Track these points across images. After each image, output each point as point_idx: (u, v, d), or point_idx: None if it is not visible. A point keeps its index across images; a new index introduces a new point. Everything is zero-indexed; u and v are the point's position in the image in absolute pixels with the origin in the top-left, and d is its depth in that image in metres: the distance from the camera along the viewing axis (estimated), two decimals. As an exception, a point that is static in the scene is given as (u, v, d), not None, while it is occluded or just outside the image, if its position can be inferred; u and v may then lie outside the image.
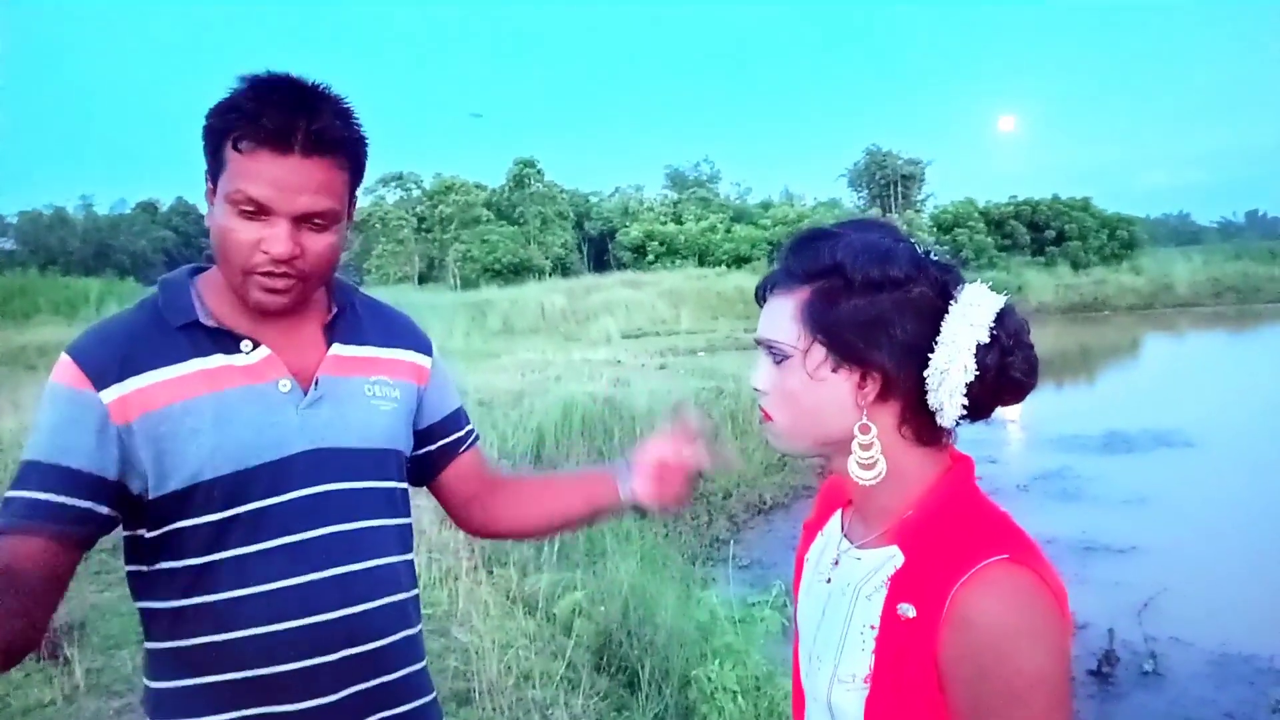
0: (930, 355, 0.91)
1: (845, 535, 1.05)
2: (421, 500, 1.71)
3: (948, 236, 39.63)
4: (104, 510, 1.19)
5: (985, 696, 0.85)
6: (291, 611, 1.21)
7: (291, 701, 1.22)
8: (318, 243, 1.23)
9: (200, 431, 1.19)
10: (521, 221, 45.34)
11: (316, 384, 1.28)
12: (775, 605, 5.34)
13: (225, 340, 1.24)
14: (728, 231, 41.83)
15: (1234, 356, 19.78)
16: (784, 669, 4.01)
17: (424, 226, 46.41)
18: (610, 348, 18.75)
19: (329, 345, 1.32)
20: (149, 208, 65.52)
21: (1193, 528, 7.35)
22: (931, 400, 0.92)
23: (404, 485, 1.40)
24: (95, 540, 1.21)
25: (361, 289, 1.48)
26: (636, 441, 1.53)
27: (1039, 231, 41.95)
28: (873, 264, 0.92)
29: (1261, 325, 25.43)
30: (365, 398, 1.33)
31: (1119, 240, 41.49)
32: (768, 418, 1.00)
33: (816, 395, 0.95)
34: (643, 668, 3.91)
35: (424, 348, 1.46)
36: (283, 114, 1.17)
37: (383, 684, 1.30)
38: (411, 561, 1.40)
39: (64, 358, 1.21)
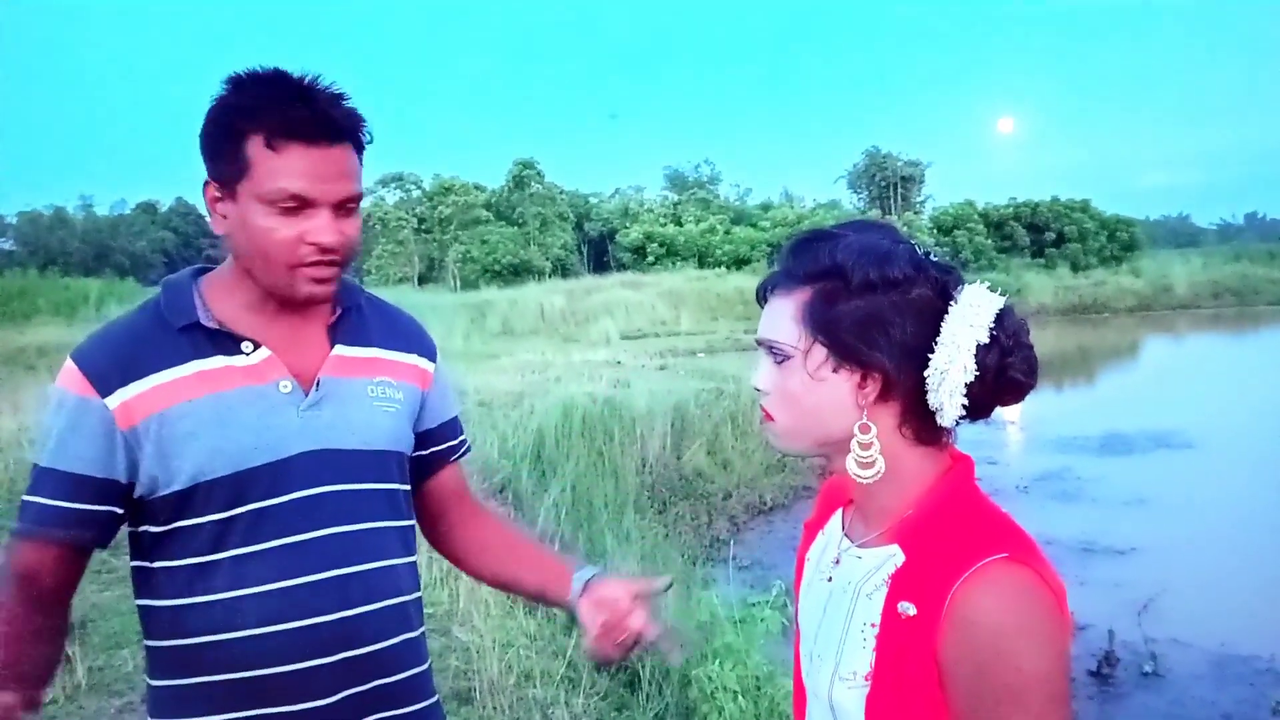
0: (930, 355, 0.92)
1: (846, 534, 1.06)
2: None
3: (947, 238, 39.66)
4: (117, 511, 1.23)
5: (985, 694, 0.86)
6: (289, 613, 1.22)
7: (289, 703, 1.22)
8: (351, 227, 1.25)
9: (199, 433, 1.20)
10: (521, 222, 45.34)
11: (318, 385, 1.28)
12: (775, 605, 5.34)
13: (226, 341, 1.25)
14: (727, 233, 41.84)
15: (1233, 358, 19.80)
16: (784, 669, 4.01)
17: (424, 227, 46.40)
18: (610, 349, 18.74)
19: (332, 346, 1.32)
20: (149, 208, 65.54)
21: (1192, 529, 7.35)
22: (931, 400, 0.93)
23: (406, 487, 1.40)
24: (108, 541, 1.25)
25: (364, 289, 1.48)
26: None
27: (1038, 233, 41.98)
28: (873, 265, 0.92)
29: (1260, 327, 25.45)
30: (368, 399, 1.33)
31: (1118, 242, 41.54)
32: (769, 418, 1.01)
33: (817, 395, 0.96)
34: (643, 667, 3.92)
35: (429, 352, 1.46)
36: (306, 106, 1.18)
37: (381, 686, 1.29)
38: (414, 564, 1.39)
39: (69, 363, 1.22)
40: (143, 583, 1.26)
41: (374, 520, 1.31)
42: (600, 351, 17.40)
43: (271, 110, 1.17)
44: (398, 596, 1.32)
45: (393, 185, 49.07)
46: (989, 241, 40.63)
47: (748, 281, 30.72)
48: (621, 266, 41.42)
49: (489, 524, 1.54)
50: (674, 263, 39.66)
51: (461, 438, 1.53)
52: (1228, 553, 6.75)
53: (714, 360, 16.40)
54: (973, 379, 0.91)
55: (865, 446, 0.95)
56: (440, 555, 1.59)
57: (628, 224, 44.48)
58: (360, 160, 1.26)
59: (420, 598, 1.40)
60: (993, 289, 0.95)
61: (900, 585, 0.92)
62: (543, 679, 3.66)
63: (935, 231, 40.72)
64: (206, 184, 1.24)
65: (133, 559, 1.28)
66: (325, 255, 1.22)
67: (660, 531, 7.00)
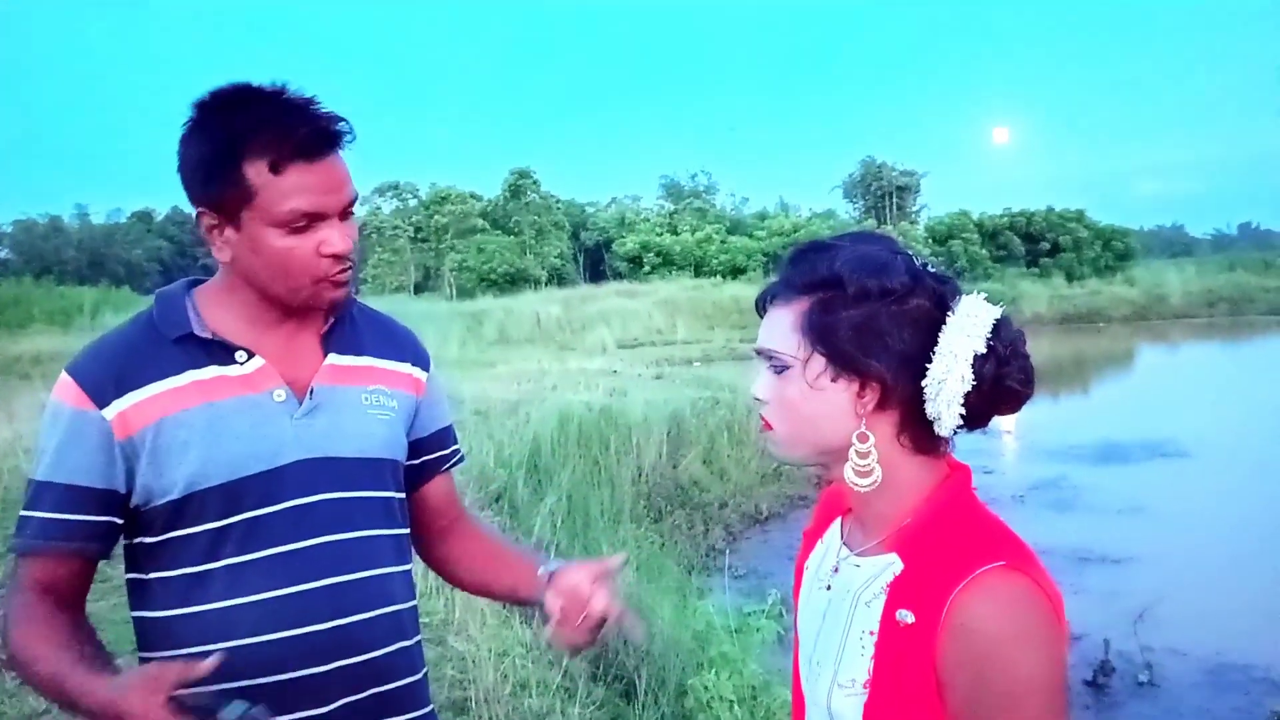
0: (928, 365, 0.93)
1: (845, 543, 1.06)
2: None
3: (942, 248, 39.76)
4: (117, 522, 1.23)
5: (982, 701, 0.86)
6: (283, 622, 1.21)
7: (285, 711, 1.21)
8: (352, 229, 1.27)
9: (194, 442, 1.20)
10: (517, 231, 45.39)
11: (312, 393, 1.28)
12: (771, 615, 5.35)
13: (219, 351, 1.25)
14: (723, 242, 41.93)
15: (1227, 367, 19.87)
16: (780, 678, 4.01)
17: (420, 236, 46.47)
18: (606, 357, 18.75)
19: (326, 355, 1.32)
20: (144, 217, 65.49)
21: (1188, 537, 7.37)
22: (929, 410, 0.94)
23: (401, 495, 1.39)
24: (109, 552, 1.25)
25: (357, 298, 1.48)
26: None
27: (1033, 243, 42.15)
28: (871, 275, 0.93)
29: (1255, 336, 25.56)
30: (362, 407, 1.33)
31: (1113, 251, 41.72)
32: (768, 427, 1.01)
33: (816, 404, 0.96)
34: (639, 677, 3.92)
35: (422, 361, 1.46)
36: (299, 124, 1.19)
37: (376, 695, 1.29)
38: (409, 572, 1.39)
39: (64, 377, 1.22)
40: (137, 595, 1.26)
41: (369, 528, 1.31)
42: (596, 360, 17.41)
43: (267, 134, 1.17)
44: (393, 605, 1.32)
45: (389, 194, 49.16)
46: (984, 251, 40.78)
47: (743, 291, 30.80)
48: (618, 275, 41.51)
49: (470, 533, 1.54)
50: (670, 272, 39.74)
51: (454, 447, 1.53)
52: (1223, 561, 6.77)
53: (710, 369, 16.43)
54: (970, 389, 0.92)
55: (863, 455, 0.96)
56: (426, 566, 1.58)
57: (624, 233, 44.57)
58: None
59: (415, 606, 1.40)
60: (989, 299, 0.95)
61: (898, 593, 0.93)
62: (539, 688, 3.65)
63: (930, 241, 40.83)
64: (200, 213, 1.22)
65: (127, 571, 1.28)
66: (342, 262, 1.24)
67: (656, 541, 7.00)
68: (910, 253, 0.99)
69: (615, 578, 1.35)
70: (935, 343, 0.93)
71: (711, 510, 8.37)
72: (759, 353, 1.01)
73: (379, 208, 48.01)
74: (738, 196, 60.62)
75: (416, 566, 1.45)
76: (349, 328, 1.37)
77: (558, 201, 49.53)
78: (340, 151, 1.25)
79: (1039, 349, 0.97)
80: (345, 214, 1.25)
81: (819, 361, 0.95)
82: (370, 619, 1.28)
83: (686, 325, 27.21)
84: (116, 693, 1.07)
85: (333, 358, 1.32)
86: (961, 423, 0.94)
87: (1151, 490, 8.84)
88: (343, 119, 1.24)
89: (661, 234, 43.12)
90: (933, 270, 0.98)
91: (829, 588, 1.04)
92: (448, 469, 1.51)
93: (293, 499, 1.24)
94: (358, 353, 1.36)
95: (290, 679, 1.22)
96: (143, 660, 1.26)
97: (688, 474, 8.81)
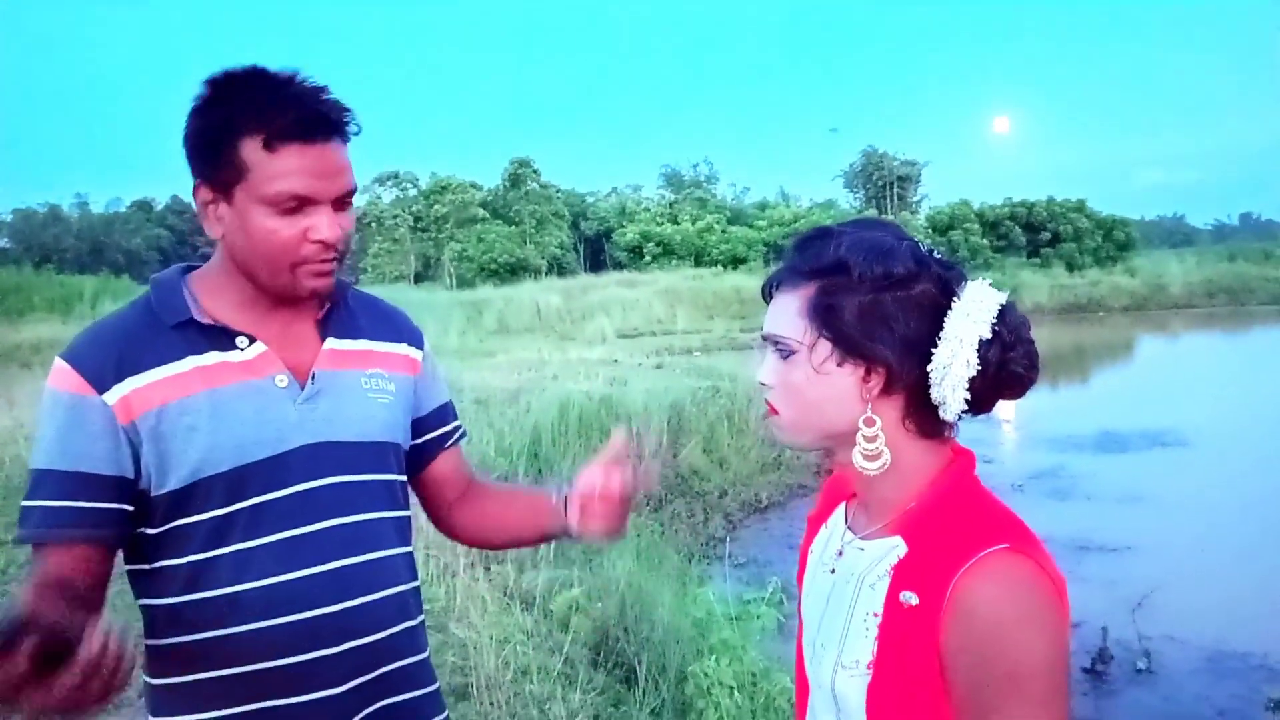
0: (933, 350, 0.93)
1: (849, 527, 1.07)
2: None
3: (943, 238, 39.72)
4: (128, 509, 1.21)
5: (986, 683, 0.87)
6: (291, 606, 1.22)
7: (294, 694, 1.22)
8: (348, 220, 1.26)
9: (198, 429, 1.19)
10: (517, 221, 45.35)
11: (313, 378, 1.28)
12: (771, 602, 5.36)
13: (220, 337, 1.24)
14: (724, 232, 41.88)
15: (1227, 357, 19.87)
16: (780, 665, 4.03)
17: (420, 225, 46.41)
18: (606, 347, 18.73)
19: (324, 339, 1.33)
20: (144, 206, 65.47)
21: (1186, 526, 7.39)
22: (934, 394, 0.94)
23: (403, 478, 1.40)
24: (123, 541, 1.23)
25: (349, 283, 1.48)
26: (632, 441, 1.52)
27: (1034, 233, 42.09)
28: (876, 261, 0.94)
29: (1254, 326, 25.54)
30: (362, 391, 1.33)
31: (1114, 242, 41.67)
32: (774, 411, 1.02)
33: (822, 389, 0.97)
34: (640, 663, 3.93)
35: (416, 340, 1.46)
36: (299, 105, 1.18)
37: (384, 674, 1.30)
38: (411, 554, 1.40)
39: (60, 364, 1.20)
40: (142, 584, 1.25)
41: (372, 511, 1.31)
42: (596, 350, 17.40)
43: (266, 112, 1.17)
44: (397, 586, 1.33)
45: (389, 184, 49.08)
46: (985, 241, 40.73)
47: (744, 280, 30.78)
48: (618, 265, 41.46)
49: (484, 494, 1.55)
50: (670, 262, 39.70)
51: (456, 423, 1.53)
52: (1222, 550, 6.79)
53: (710, 359, 16.41)
54: (975, 373, 0.92)
55: (870, 439, 0.96)
56: (451, 539, 1.59)
57: (624, 223, 44.50)
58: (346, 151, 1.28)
59: (418, 587, 1.41)
60: (994, 285, 0.96)
61: (902, 576, 0.93)
62: (540, 675, 3.66)
63: (931, 231, 40.78)
64: (197, 187, 1.22)
65: (129, 562, 1.26)
66: (327, 251, 1.23)
67: (656, 529, 7.01)
68: (915, 239, 0.99)
69: (624, 455, 1.43)
70: (940, 328, 0.93)
71: (711, 499, 8.38)
72: (765, 338, 1.02)
73: (379, 197, 47.95)
74: (738, 186, 60.71)
75: (418, 553, 1.45)
76: (344, 312, 1.37)
77: (558, 191, 49.48)
78: (342, 142, 1.24)
79: (1039, 338, 0.98)
80: (340, 204, 1.24)
81: (825, 346, 0.96)
82: (377, 600, 1.29)
83: (687, 315, 27.18)
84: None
85: (331, 342, 1.33)
86: (966, 407, 0.94)
87: (1151, 479, 8.85)
88: (347, 109, 1.23)
89: (662, 224, 43.08)
90: (938, 256, 0.98)
91: (833, 571, 1.05)
92: (451, 445, 1.51)
93: (298, 484, 1.24)
94: (355, 336, 1.36)
95: (298, 662, 1.22)
96: (149, 646, 1.26)
97: (688, 463, 8.82)
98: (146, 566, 1.24)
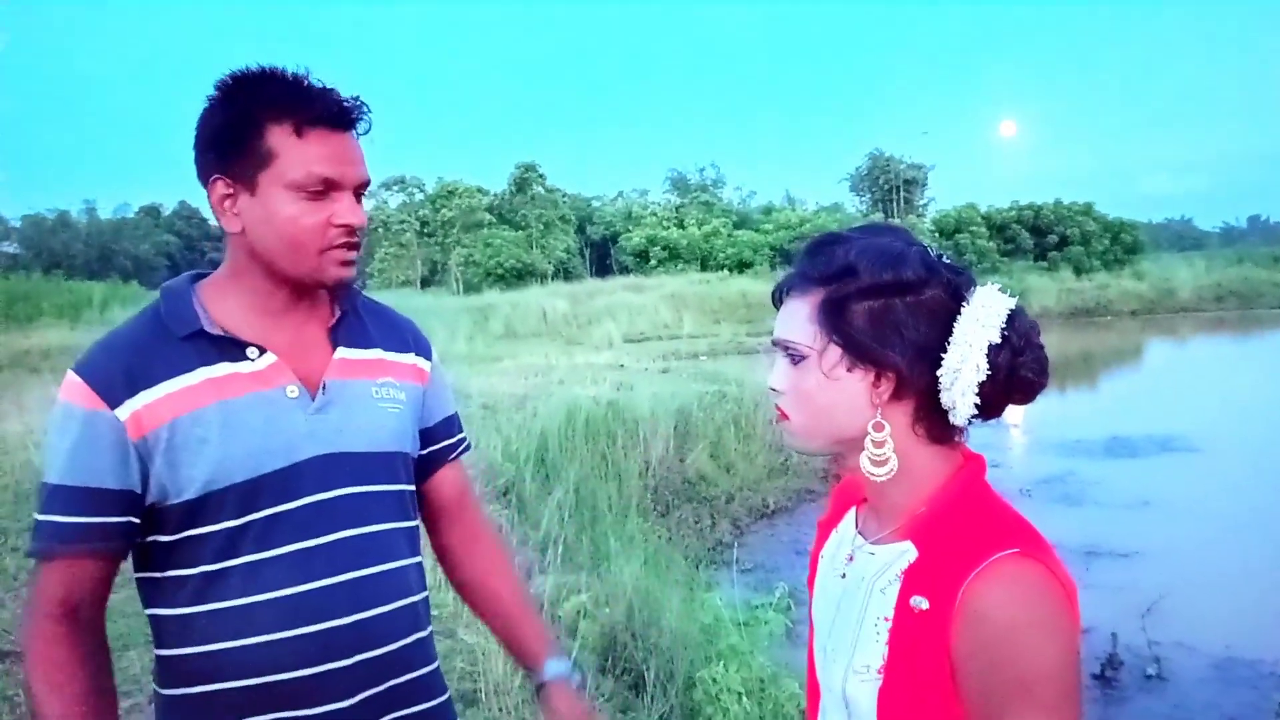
0: (943, 355, 0.93)
1: (859, 532, 1.07)
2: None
3: (950, 241, 39.64)
4: (135, 521, 1.22)
5: (996, 687, 0.87)
6: (304, 617, 1.22)
7: (305, 707, 1.22)
8: (363, 211, 1.28)
9: (209, 440, 1.20)
10: (524, 226, 45.41)
11: (324, 388, 1.28)
12: (779, 608, 5.35)
13: (231, 348, 1.24)
14: (730, 236, 41.86)
15: (1236, 361, 19.79)
16: (788, 670, 4.02)
17: (426, 230, 46.51)
18: (613, 352, 18.74)
19: (334, 349, 1.32)
20: (152, 211, 65.78)
21: (1196, 532, 7.35)
22: (944, 399, 0.94)
23: (412, 487, 1.40)
24: (128, 552, 1.25)
25: (364, 293, 1.48)
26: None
27: (1041, 236, 41.99)
28: (886, 267, 0.94)
29: (1264, 330, 25.44)
30: (373, 400, 1.33)
31: (1121, 245, 41.54)
32: (784, 417, 1.02)
33: (832, 394, 0.97)
34: (648, 669, 3.93)
35: (425, 351, 1.46)
36: (327, 94, 1.22)
37: (395, 686, 1.30)
38: (420, 564, 1.40)
39: (72, 377, 1.21)
40: (152, 592, 1.26)
41: (384, 522, 1.31)
42: (603, 354, 17.42)
43: (294, 100, 1.20)
44: (408, 597, 1.33)
45: (395, 188, 49.20)
46: (992, 244, 40.64)
47: (750, 285, 30.78)
48: (624, 270, 41.47)
49: (483, 542, 1.53)
50: (677, 266, 39.71)
51: (460, 435, 1.53)
52: (1231, 556, 6.75)
53: (717, 363, 16.40)
54: (985, 378, 0.92)
55: (879, 445, 0.96)
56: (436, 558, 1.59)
57: (630, 227, 44.52)
58: None
59: (427, 597, 1.41)
60: (1003, 290, 0.96)
61: (913, 580, 0.93)
62: (548, 681, 3.65)
63: (938, 235, 40.70)
64: (215, 180, 1.23)
65: (138, 570, 1.27)
66: (351, 236, 1.25)
67: (663, 534, 7.02)
68: (924, 244, 0.99)
69: None
70: (950, 333, 0.94)
71: (719, 504, 8.37)
72: (775, 343, 1.02)
73: (385, 202, 48.07)
74: (744, 190, 60.71)
75: (426, 560, 1.45)
76: (355, 321, 1.37)
77: (564, 196, 49.55)
78: (359, 135, 1.27)
79: (1046, 343, 0.98)
80: (358, 193, 1.27)
81: (835, 352, 0.96)
82: (389, 612, 1.29)
83: (693, 319, 27.17)
84: None
85: (342, 351, 1.32)
86: (976, 412, 0.95)
87: (1159, 485, 8.82)
88: (362, 103, 1.26)
89: (668, 228, 43.07)
90: (947, 261, 0.98)
91: (844, 576, 1.05)
92: (455, 458, 1.51)
93: (310, 495, 1.24)
94: (366, 345, 1.36)
95: (312, 674, 1.22)
96: (159, 657, 1.26)
97: (695, 468, 8.81)
98: (157, 575, 1.24)
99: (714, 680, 3.77)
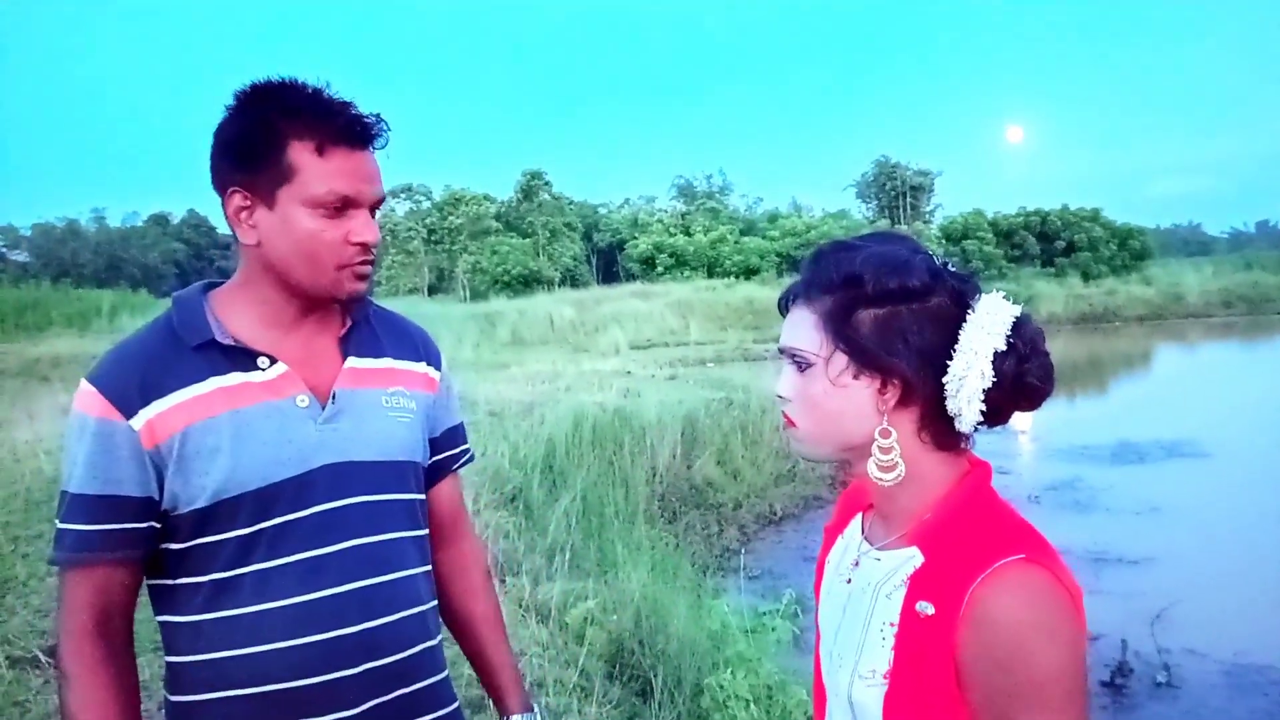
0: (949, 362, 0.94)
1: (865, 538, 1.08)
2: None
3: (957, 247, 39.57)
4: (157, 527, 1.23)
5: (1003, 692, 0.87)
6: (314, 626, 1.22)
7: (314, 714, 1.23)
8: (377, 228, 1.29)
9: (221, 449, 1.20)
10: (530, 233, 45.51)
11: (334, 398, 1.29)
12: (786, 615, 5.35)
13: (242, 358, 1.25)
14: (736, 243, 41.87)
15: (1245, 367, 19.73)
16: (796, 677, 4.02)
17: (433, 238, 46.65)
18: (620, 358, 18.75)
19: (345, 358, 1.33)
20: (160, 220, 66.09)
21: (1205, 538, 7.33)
22: (950, 406, 0.95)
23: (422, 496, 1.41)
24: (149, 557, 1.25)
25: (371, 300, 1.49)
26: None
27: (1049, 242, 41.90)
28: (892, 274, 0.95)
29: (1273, 335, 25.34)
30: (383, 410, 1.34)
31: (1129, 251, 41.41)
32: (791, 424, 1.03)
33: (839, 401, 0.98)
34: (655, 676, 3.93)
35: (435, 360, 1.47)
36: (347, 112, 1.23)
37: (404, 695, 1.30)
38: (430, 572, 1.40)
39: (86, 387, 1.22)
40: (163, 599, 1.26)
41: (394, 531, 1.32)
42: (610, 361, 17.42)
43: (316, 117, 1.21)
44: (418, 606, 1.33)
45: (403, 196, 49.36)
46: (999, 250, 40.57)
47: (757, 291, 30.78)
48: (631, 277, 41.50)
49: (471, 573, 1.54)
50: (683, 273, 39.71)
51: (465, 446, 1.54)
52: (1241, 562, 6.73)
53: (723, 370, 16.41)
54: (990, 385, 0.93)
55: (886, 451, 0.97)
56: None
57: (637, 234, 44.56)
58: None
59: (436, 606, 1.41)
60: (1008, 298, 0.97)
61: (919, 585, 0.94)
62: (556, 687, 3.66)
63: (945, 241, 40.65)
64: (232, 192, 1.24)
65: (149, 577, 1.28)
66: (367, 253, 1.27)
67: (671, 541, 7.01)
68: (930, 252, 1.00)
69: None
70: (956, 340, 0.94)
71: (726, 511, 8.37)
72: (782, 351, 1.03)
73: (393, 209, 48.23)
74: (751, 197, 60.64)
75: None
76: (366, 330, 1.38)
77: (571, 203, 49.68)
78: (374, 153, 1.28)
79: (1054, 349, 0.99)
80: (373, 210, 1.28)
81: (841, 359, 0.97)
82: (398, 621, 1.29)
83: (700, 326, 27.18)
84: None
85: (352, 360, 1.33)
86: (982, 419, 0.95)
87: (1169, 491, 8.78)
88: (383, 120, 1.27)
89: (675, 235, 43.08)
90: (953, 269, 0.99)
91: (850, 581, 1.06)
92: (457, 468, 1.52)
93: (321, 504, 1.25)
94: (377, 355, 1.37)
95: (320, 682, 1.22)
96: (170, 664, 1.27)
97: (702, 475, 8.81)
98: (168, 582, 1.25)
99: (721, 687, 3.77)
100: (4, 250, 56.29)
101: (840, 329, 0.96)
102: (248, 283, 1.29)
